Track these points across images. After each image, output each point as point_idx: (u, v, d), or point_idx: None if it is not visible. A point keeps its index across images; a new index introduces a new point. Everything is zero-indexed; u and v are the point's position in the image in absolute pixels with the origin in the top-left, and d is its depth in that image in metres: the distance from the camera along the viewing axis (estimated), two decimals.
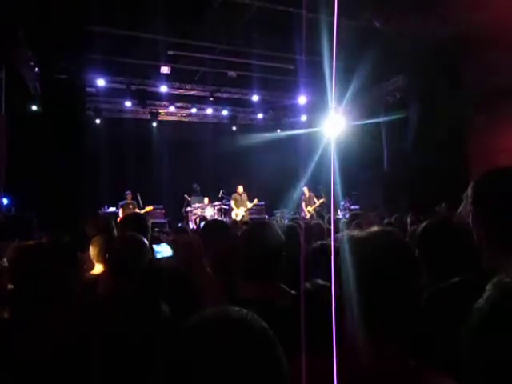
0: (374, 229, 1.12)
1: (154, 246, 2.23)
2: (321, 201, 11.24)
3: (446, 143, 8.66)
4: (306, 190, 11.51)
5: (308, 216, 11.08)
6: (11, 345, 1.53)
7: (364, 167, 11.44)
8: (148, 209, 10.30)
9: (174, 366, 0.69)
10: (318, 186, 11.28)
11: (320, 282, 1.64)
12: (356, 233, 1.12)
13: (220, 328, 0.70)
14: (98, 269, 2.75)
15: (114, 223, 3.32)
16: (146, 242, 2.17)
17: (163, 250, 2.21)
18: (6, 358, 1.50)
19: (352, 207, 11.44)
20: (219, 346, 0.67)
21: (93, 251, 2.79)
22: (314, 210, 11.25)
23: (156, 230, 7.63)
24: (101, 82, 10.65)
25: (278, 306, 1.53)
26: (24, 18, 7.20)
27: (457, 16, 6.92)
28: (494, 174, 1.33)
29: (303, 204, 11.59)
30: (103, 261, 2.67)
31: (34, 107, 9.44)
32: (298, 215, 11.44)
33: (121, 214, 9.90)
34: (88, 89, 10.56)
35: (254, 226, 1.96)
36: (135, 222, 2.71)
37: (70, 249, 1.90)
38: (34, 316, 1.62)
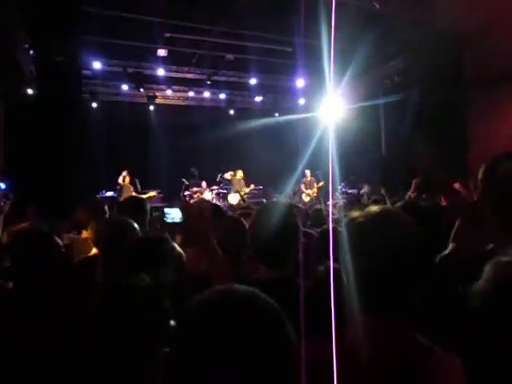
0: (374, 209, 1.09)
1: (166, 208, 2.23)
2: (320, 184, 11.25)
3: (446, 127, 8.63)
4: (308, 172, 11.51)
5: (308, 200, 11.10)
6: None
7: (362, 151, 11.41)
8: (152, 194, 10.06)
9: (180, 344, 0.68)
10: (316, 170, 11.27)
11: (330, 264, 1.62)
12: (356, 215, 1.09)
13: (227, 304, 0.69)
14: (94, 251, 2.78)
15: (106, 208, 3.31)
16: (135, 225, 2.17)
17: (174, 215, 2.20)
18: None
19: (350, 191, 11.45)
20: (226, 322, 0.66)
21: (89, 235, 2.80)
22: (314, 193, 11.27)
23: (155, 213, 7.61)
24: (97, 65, 10.51)
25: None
26: None
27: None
28: (502, 159, 1.35)
29: (302, 186, 11.58)
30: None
31: (30, 91, 9.33)
32: (297, 198, 11.44)
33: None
34: (84, 71, 10.43)
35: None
36: (133, 206, 2.69)
37: (50, 233, 1.97)
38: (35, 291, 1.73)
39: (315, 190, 11.31)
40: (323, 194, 11.26)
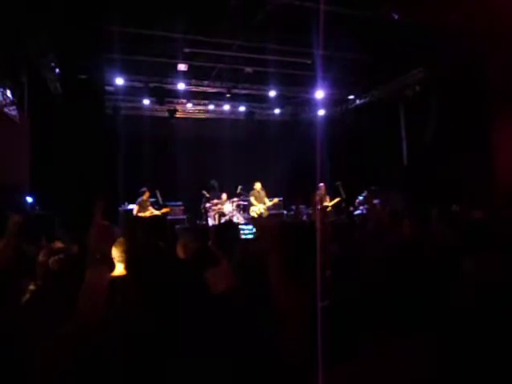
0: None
1: (241, 225, 2.31)
2: (334, 201, 10.99)
3: (469, 136, 8.49)
4: (322, 186, 11.38)
5: (329, 209, 10.94)
6: None
7: (383, 162, 11.31)
8: (165, 210, 10.30)
9: None
10: (337, 181, 11.16)
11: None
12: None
13: None
14: (119, 270, 2.80)
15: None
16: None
17: (248, 231, 2.25)
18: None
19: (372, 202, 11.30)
20: None
21: (115, 252, 2.83)
22: (331, 206, 11.10)
23: (177, 226, 7.71)
24: (119, 81, 10.76)
25: None
26: (46, 20, 7.33)
27: (482, 10, 6.75)
28: None
29: (317, 198, 11.41)
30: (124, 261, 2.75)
31: (55, 107, 9.60)
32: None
33: (135, 212, 9.97)
34: (107, 87, 10.68)
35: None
36: (155, 225, 2.74)
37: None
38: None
39: (333, 203, 11.03)
40: (342, 206, 11.10)
